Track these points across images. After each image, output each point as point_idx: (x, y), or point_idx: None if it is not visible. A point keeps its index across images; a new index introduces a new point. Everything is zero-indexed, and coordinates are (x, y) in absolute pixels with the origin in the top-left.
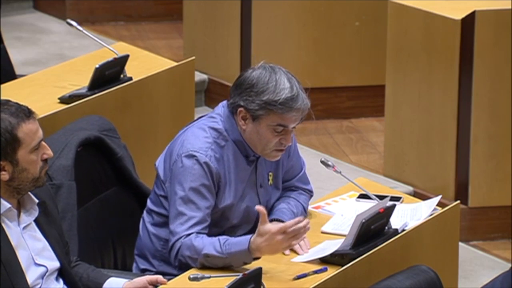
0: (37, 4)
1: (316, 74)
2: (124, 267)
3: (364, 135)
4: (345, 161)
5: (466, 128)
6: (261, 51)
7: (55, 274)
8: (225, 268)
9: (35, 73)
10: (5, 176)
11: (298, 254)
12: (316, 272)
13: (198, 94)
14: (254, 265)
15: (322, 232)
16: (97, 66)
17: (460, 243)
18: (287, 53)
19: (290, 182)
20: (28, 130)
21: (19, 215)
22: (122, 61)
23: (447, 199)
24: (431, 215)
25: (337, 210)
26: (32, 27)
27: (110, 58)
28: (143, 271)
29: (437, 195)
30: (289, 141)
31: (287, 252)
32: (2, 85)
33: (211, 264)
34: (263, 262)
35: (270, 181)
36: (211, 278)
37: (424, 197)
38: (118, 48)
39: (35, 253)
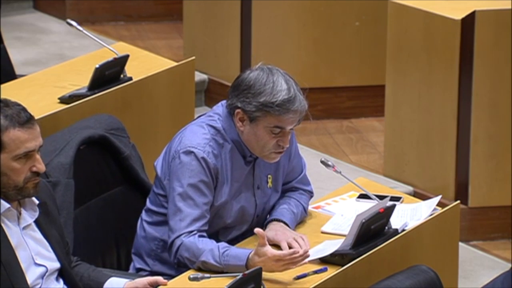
0: (37, 4)
1: (316, 74)
2: (127, 268)
3: (364, 135)
4: (345, 161)
5: (466, 128)
6: (261, 51)
7: (55, 274)
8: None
9: (35, 73)
10: None
11: None
12: (316, 272)
13: (198, 94)
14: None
15: (322, 232)
16: (97, 66)
17: (460, 243)
18: (287, 53)
19: (290, 184)
20: (15, 137)
21: (19, 216)
22: (122, 61)
23: (447, 199)
24: (431, 215)
25: (337, 210)
26: (32, 27)
27: (110, 58)
28: (138, 271)
29: (437, 195)
30: (287, 143)
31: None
32: (2, 85)
33: (207, 269)
34: None
35: (269, 184)
36: (211, 278)
37: (424, 197)
38: (118, 48)
39: (35, 253)
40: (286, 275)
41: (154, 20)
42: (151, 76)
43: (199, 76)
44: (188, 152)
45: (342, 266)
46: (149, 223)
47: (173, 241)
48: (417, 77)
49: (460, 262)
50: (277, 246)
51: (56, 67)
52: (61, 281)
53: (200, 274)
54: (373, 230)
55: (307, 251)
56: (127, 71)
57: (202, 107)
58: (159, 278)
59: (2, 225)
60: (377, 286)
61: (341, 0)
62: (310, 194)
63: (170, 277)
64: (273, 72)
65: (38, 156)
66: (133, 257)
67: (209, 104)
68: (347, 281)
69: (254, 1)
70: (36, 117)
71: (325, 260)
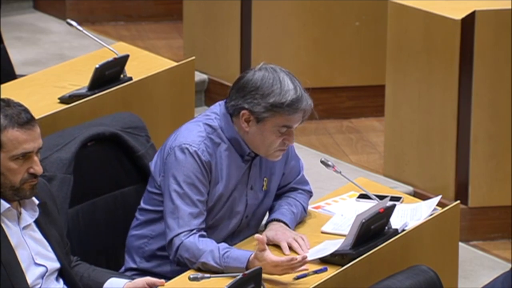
0: (37, 4)
1: (316, 74)
2: None
3: (364, 135)
4: (345, 161)
5: (466, 128)
6: (261, 51)
7: (55, 274)
8: None
9: (35, 73)
10: None
11: (298, 254)
12: (316, 272)
13: (198, 94)
14: None
15: (322, 232)
16: (97, 66)
17: (460, 243)
18: (287, 53)
19: (289, 185)
20: (13, 137)
21: (19, 216)
22: (122, 61)
23: (447, 199)
24: (431, 215)
25: (337, 210)
26: (32, 27)
27: (110, 58)
28: (127, 270)
29: (437, 195)
30: (292, 141)
31: (287, 252)
32: (2, 85)
33: (207, 270)
34: None
35: (264, 187)
36: (211, 278)
37: (424, 197)
38: (118, 48)
39: (35, 253)
40: (286, 275)
41: (154, 20)
42: (151, 76)
43: (199, 76)
44: (183, 149)
45: (342, 266)
46: (139, 221)
47: (171, 240)
48: (417, 77)
49: (460, 262)
50: (277, 246)
51: (56, 67)
52: (61, 281)
53: (200, 274)
54: (373, 230)
55: (306, 257)
56: (127, 71)
57: (202, 107)
58: (158, 280)
59: (2, 225)
60: (377, 286)
61: (341, 0)
62: (310, 193)
63: (158, 275)
64: (277, 71)
65: (36, 158)
66: (125, 255)
67: (209, 104)
68: (347, 281)
69: (254, 1)
70: (36, 117)
71: (325, 260)
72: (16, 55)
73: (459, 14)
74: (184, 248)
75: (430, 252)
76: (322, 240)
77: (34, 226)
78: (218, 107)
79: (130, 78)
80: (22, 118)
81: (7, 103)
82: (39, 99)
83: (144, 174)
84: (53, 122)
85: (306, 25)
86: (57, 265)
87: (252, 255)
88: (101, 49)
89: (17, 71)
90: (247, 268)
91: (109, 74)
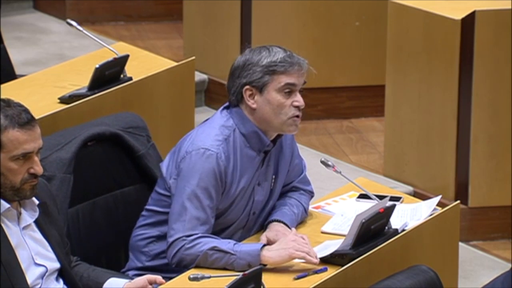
0: (37, 4)
1: (316, 74)
2: None
3: (364, 135)
4: (345, 161)
5: (466, 128)
6: None
7: (55, 274)
8: (224, 268)
9: (35, 73)
10: None
11: None
12: (316, 272)
13: (198, 94)
14: None
15: (322, 232)
16: (97, 66)
17: (460, 243)
18: None
19: (291, 184)
20: (14, 138)
21: (19, 216)
22: (122, 61)
23: (447, 199)
24: (431, 215)
25: (337, 210)
26: (32, 27)
27: (110, 58)
28: (132, 269)
29: (437, 195)
30: (301, 101)
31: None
32: (2, 85)
33: (211, 262)
34: None
35: (272, 185)
36: (211, 278)
37: (424, 197)
38: (118, 48)
39: (35, 253)
40: (286, 275)
41: (154, 20)
42: (151, 76)
43: (199, 76)
44: (200, 154)
45: (342, 266)
46: (145, 222)
47: (173, 242)
48: (417, 77)
49: (460, 262)
50: None
51: (56, 67)
52: (61, 281)
53: (200, 274)
54: (373, 230)
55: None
56: (127, 71)
57: (202, 107)
58: (158, 277)
59: (2, 225)
60: (377, 286)
61: (341, 0)
62: (311, 194)
63: (161, 272)
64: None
65: (36, 158)
66: (130, 255)
67: (209, 104)
68: (347, 281)
69: (254, 1)
70: (36, 117)
71: (325, 260)
72: (16, 55)
73: (459, 14)
74: (185, 249)
75: (430, 252)
76: (322, 240)
77: (34, 226)
78: (225, 109)
79: (130, 78)
80: (23, 118)
81: (8, 103)
82: (39, 99)
83: (145, 174)
84: (53, 122)
85: (306, 25)
86: (57, 265)
87: (266, 247)
88: (101, 49)
89: (17, 71)
90: (261, 250)
91: (109, 74)
